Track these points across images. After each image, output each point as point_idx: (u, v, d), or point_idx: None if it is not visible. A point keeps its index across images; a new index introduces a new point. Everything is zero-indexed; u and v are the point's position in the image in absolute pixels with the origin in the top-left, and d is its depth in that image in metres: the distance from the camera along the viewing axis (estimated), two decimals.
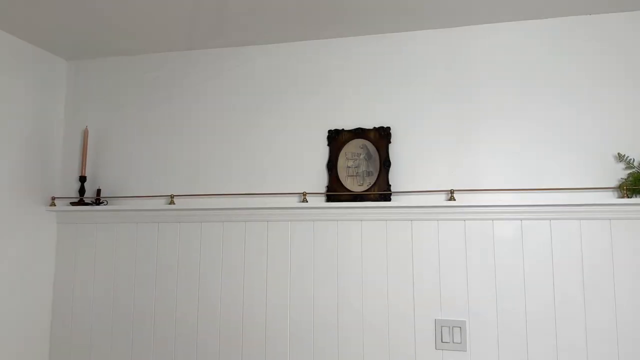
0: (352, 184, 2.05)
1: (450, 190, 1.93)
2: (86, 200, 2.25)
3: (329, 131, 2.11)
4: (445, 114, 2.02)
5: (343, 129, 2.10)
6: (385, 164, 2.03)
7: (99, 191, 2.27)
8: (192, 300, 2.12)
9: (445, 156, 1.99)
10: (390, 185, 2.01)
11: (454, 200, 1.92)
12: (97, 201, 2.24)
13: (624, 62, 1.89)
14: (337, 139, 2.10)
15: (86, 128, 2.31)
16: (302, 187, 2.10)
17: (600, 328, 1.76)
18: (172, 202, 2.17)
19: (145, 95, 2.34)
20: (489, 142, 1.96)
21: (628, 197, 1.77)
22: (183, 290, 2.13)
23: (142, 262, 2.19)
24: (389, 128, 2.05)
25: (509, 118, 1.96)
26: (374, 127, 2.07)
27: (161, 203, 2.22)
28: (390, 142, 2.05)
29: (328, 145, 2.11)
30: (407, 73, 2.08)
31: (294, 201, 2.10)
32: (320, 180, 2.09)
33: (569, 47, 1.94)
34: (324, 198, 2.07)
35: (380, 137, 2.06)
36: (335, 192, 2.05)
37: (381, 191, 2.00)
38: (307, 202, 2.04)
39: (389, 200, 2.00)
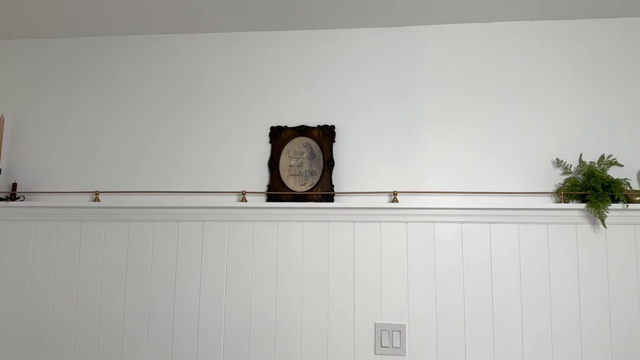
0: (295, 184, 1.97)
1: (394, 192, 1.90)
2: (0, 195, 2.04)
3: (271, 128, 2.02)
4: (390, 115, 1.98)
5: (286, 126, 2.01)
6: (328, 163, 1.96)
7: (14, 185, 2.05)
8: (117, 305, 1.95)
9: (389, 157, 1.96)
10: (333, 186, 1.95)
11: (397, 202, 1.89)
12: (13, 196, 2.03)
13: (565, 70, 1.93)
14: (279, 136, 2.01)
15: (1, 116, 2.08)
16: (242, 185, 1.99)
17: (536, 331, 1.78)
18: (96, 199, 1.99)
19: (70, 82, 2.14)
20: (432, 144, 1.95)
21: (565, 202, 1.80)
22: (108, 294, 1.96)
23: (63, 263, 2.00)
24: (333, 127, 1.99)
25: (452, 121, 1.95)
26: (318, 125, 2.00)
27: (85, 200, 2.04)
28: (334, 141, 1.99)
29: (270, 142, 2.02)
30: (353, 71, 2.03)
31: (232, 200, 1.98)
32: (261, 179, 2.00)
33: (512, 52, 1.96)
34: (264, 198, 1.97)
35: (325, 135, 1.99)
36: (277, 191, 1.96)
37: (324, 191, 1.94)
38: (246, 201, 1.93)
39: (332, 201, 1.94)
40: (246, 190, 1.97)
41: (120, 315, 1.95)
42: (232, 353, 1.89)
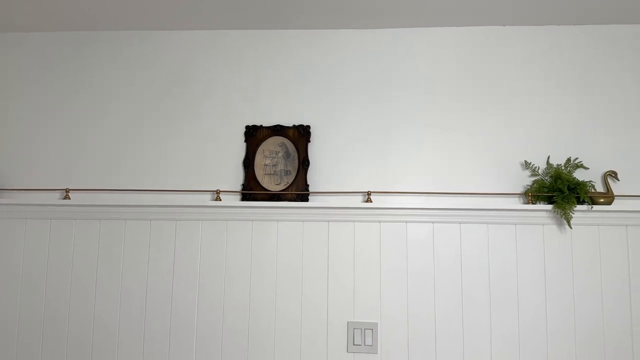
0: (270, 183, 1.97)
1: (367, 192, 1.92)
2: None
3: (247, 127, 2.02)
4: (366, 116, 2.01)
5: (262, 125, 2.02)
6: (304, 163, 1.97)
7: None
8: (87, 305, 1.92)
9: (363, 158, 1.98)
10: (308, 185, 1.96)
11: (371, 202, 1.91)
12: None
13: (534, 75, 1.98)
14: (255, 136, 2.01)
15: None
16: (216, 184, 1.98)
17: (504, 329, 1.83)
18: (67, 197, 1.96)
19: (41, 74, 2.10)
20: (405, 145, 1.97)
21: (533, 203, 1.85)
22: (77, 294, 1.93)
23: (30, 262, 1.96)
24: (308, 127, 2.00)
25: (425, 123, 1.98)
26: (294, 125, 2.01)
27: (55, 197, 2.00)
28: (309, 141, 2.00)
29: (245, 141, 2.01)
30: (329, 72, 2.04)
31: (206, 199, 1.98)
32: (236, 178, 1.99)
33: (484, 56, 2.01)
34: (239, 197, 1.97)
35: (300, 135, 2.00)
36: (252, 190, 1.96)
37: (299, 191, 1.95)
38: (220, 200, 1.93)
39: (307, 200, 1.94)
40: (220, 189, 1.96)
41: (91, 314, 1.92)
42: (205, 351, 1.88)
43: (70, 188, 1.99)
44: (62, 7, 1.93)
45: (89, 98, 2.08)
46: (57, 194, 2.01)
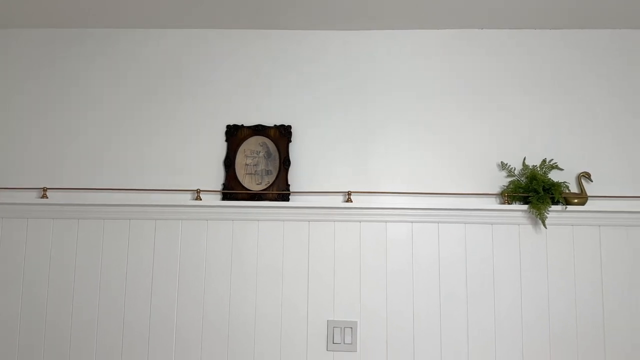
0: (250, 183, 1.98)
1: (348, 192, 1.94)
2: None
3: (228, 126, 2.02)
4: (346, 117, 2.02)
5: (243, 125, 2.02)
6: (285, 163, 1.98)
7: None
8: (66, 305, 1.91)
9: (344, 158, 2.00)
10: (289, 185, 1.97)
11: (351, 201, 1.93)
12: None
13: (511, 78, 2.02)
14: (236, 135, 2.01)
15: None
16: (196, 184, 1.99)
17: (481, 325, 1.86)
18: (44, 196, 1.94)
19: (14, 73, 2.07)
20: (385, 146, 2.00)
21: (509, 203, 1.89)
22: (56, 294, 1.91)
23: (6, 262, 1.93)
24: (289, 127, 2.01)
25: (404, 125, 2.01)
26: (275, 125, 2.01)
27: (32, 196, 1.98)
28: (290, 141, 2.01)
29: (226, 141, 2.02)
30: (311, 72, 2.06)
31: (186, 199, 1.97)
32: (216, 178, 2.00)
33: (461, 59, 2.04)
34: (219, 196, 1.97)
35: (281, 135, 2.01)
36: (232, 190, 1.96)
37: (280, 191, 1.95)
38: (200, 200, 1.93)
39: (288, 200, 1.96)
40: (201, 189, 1.96)
41: (69, 314, 1.90)
42: (185, 350, 1.88)
43: (48, 187, 1.97)
44: (32, 4, 1.91)
45: (68, 97, 2.06)
46: (35, 193, 1.99)
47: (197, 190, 1.94)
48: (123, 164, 2.01)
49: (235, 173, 1.98)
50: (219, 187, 1.98)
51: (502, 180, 1.96)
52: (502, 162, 1.96)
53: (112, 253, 1.93)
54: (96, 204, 1.91)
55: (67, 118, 2.04)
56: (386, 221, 1.93)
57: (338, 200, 1.97)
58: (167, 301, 1.91)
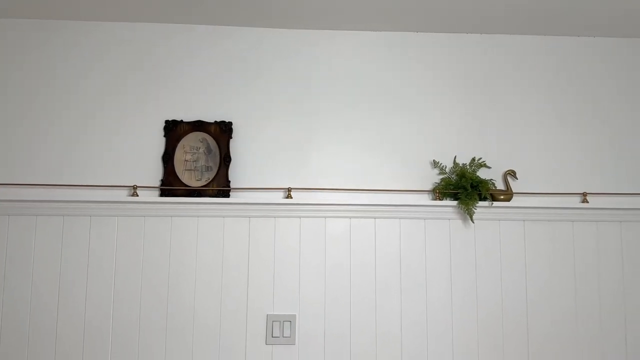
0: (190, 179, 1.98)
1: (288, 189, 1.97)
2: None
3: (166, 122, 2.00)
4: (287, 114, 2.05)
5: (182, 121, 2.01)
6: (225, 159, 1.99)
7: None
8: None
9: (284, 155, 2.03)
10: (229, 182, 1.98)
11: (291, 198, 1.96)
12: None
13: (442, 80, 2.11)
14: (175, 131, 2.00)
15: None
16: (133, 179, 1.96)
17: (414, 316, 1.95)
18: None
19: None
20: (325, 144, 2.05)
21: (440, 200, 1.99)
22: None
23: None
24: (230, 123, 2.02)
25: (343, 123, 2.06)
26: (215, 121, 2.02)
27: None
28: (231, 138, 2.02)
29: (165, 136, 2.00)
30: (252, 69, 2.07)
31: (123, 195, 1.95)
32: (155, 174, 1.98)
33: (396, 61, 2.11)
34: (157, 192, 1.96)
35: (222, 131, 2.01)
36: (171, 186, 1.95)
37: (220, 187, 1.96)
38: (137, 196, 1.90)
39: (228, 196, 1.97)
40: (138, 185, 1.94)
41: None
42: (121, 347, 1.86)
43: None
44: None
45: (4, 90, 1.98)
46: None
47: (133, 186, 1.92)
48: (57, 159, 1.95)
49: (174, 169, 1.97)
50: (157, 183, 1.97)
51: (434, 178, 2.05)
52: (434, 160, 2.05)
53: (45, 251, 1.88)
54: (28, 200, 1.85)
55: (4, 113, 1.97)
56: (325, 217, 1.98)
57: (278, 197, 2.00)
58: (103, 299, 1.87)
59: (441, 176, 2.04)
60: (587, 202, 2.02)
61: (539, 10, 1.95)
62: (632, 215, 2.02)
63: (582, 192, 2.05)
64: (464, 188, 1.94)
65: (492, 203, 1.96)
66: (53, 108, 1.99)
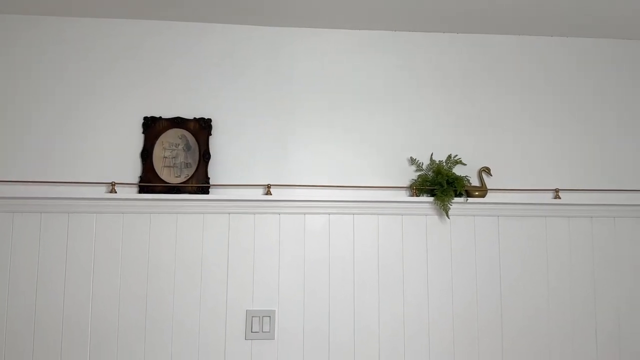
0: (169, 175, 1.98)
1: (267, 185, 1.99)
2: None
3: (145, 118, 2.00)
4: (267, 111, 2.07)
5: (161, 117, 2.01)
6: (204, 156, 2.00)
7: None
8: None
9: (264, 151, 2.04)
10: (209, 178, 1.99)
11: (271, 194, 1.98)
12: None
13: (419, 79, 2.14)
14: (153, 127, 2.00)
15: None
16: (111, 176, 1.95)
17: (391, 310, 1.98)
18: None
19: None
20: (304, 140, 2.06)
21: (417, 196, 2.02)
22: None
23: None
24: (210, 120, 2.03)
25: (321, 120, 2.08)
26: (195, 118, 2.02)
27: None
28: (210, 134, 2.02)
29: (143, 132, 2.00)
30: (232, 66, 2.08)
31: (101, 191, 1.94)
32: (133, 170, 1.97)
33: (374, 60, 2.13)
34: (136, 189, 1.96)
35: (201, 128, 2.02)
36: (150, 183, 1.95)
37: (199, 183, 1.97)
38: (115, 192, 1.90)
39: (207, 193, 1.97)
40: (116, 182, 1.94)
41: None
42: (99, 345, 1.86)
43: None
44: None
45: None
46: None
47: (112, 182, 1.91)
48: (34, 156, 1.94)
49: (152, 165, 1.97)
50: (136, 180, 1.96)
51: (411, 174, 2.09)
52: (411, 157, 2.09)
53: (22, 248, 1.86)
54: (4, 197, 1.83)
55: None
56: (304, 213, 2.00)
57: (258, 193, 2.02)
58: (81, 297, 1.87)
59: (418, 173, 2.08)
60: (559, 197, 2.08)
61: (515, 10, 1.99)
62: (603, 211, 2.08)
63: (554, 188, 2.10)
64: (440, 184, 1.98)
65: (467, 199, 2.01)
66: (30, 104, 1.97)
